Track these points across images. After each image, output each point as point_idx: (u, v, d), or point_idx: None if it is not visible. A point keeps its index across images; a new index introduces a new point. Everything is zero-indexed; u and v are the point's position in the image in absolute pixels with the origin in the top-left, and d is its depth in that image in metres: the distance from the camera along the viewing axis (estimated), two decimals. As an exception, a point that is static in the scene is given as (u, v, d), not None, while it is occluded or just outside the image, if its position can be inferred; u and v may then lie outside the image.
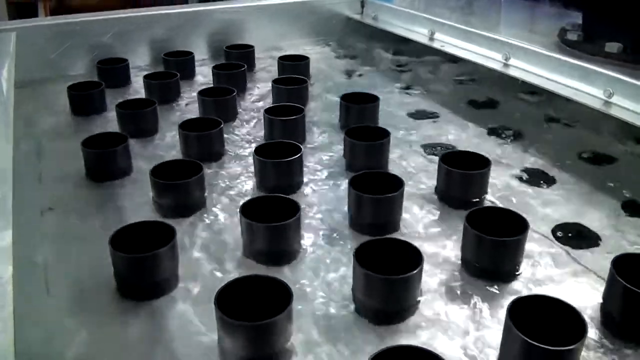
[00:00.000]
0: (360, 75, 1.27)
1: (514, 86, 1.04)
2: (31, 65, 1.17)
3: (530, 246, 0.66)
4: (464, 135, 0.97)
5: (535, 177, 0.83)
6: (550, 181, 0.83)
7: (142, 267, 0.60)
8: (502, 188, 0.80)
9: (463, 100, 1.11)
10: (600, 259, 0.65)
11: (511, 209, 0.68)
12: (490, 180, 0.78)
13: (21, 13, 3.30)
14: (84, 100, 1.05)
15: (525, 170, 0.85)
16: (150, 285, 0.60)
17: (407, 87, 1.19)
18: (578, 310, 0.51)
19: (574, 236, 0.70)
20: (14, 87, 0.91)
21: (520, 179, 0.83)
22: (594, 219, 0.73)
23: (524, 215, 0.65)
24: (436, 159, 0.84)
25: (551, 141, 0.94)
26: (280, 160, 0.79)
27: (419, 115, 1.06)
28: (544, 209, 0.75)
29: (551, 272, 0.63)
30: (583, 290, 0.60)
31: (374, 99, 1.01)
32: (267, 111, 0.95)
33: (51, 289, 0.61)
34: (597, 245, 0.69)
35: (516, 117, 1.02)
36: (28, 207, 0.73)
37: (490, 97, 1.11)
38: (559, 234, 0.70)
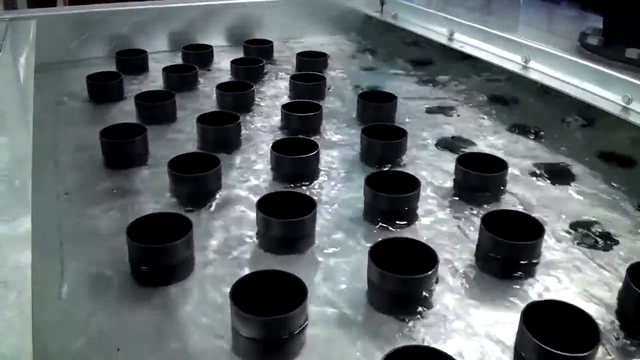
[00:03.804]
0: (378, 71, 1.26)
1: (533, 84, 1.04)
2: (50, 53, 1.18)
3: (546, 245, 0.66)
4: (482, 131, 0.96)
5: (553, 175, 0.83)
6: (568, 179, 0.82)
7: (158, 257, 0.61)
8: (520, 184, 0.80)
9: (482, 96, 1.11)
10: (617, 259, 0.65)
11: (528, 207, 0.68)
12: (508, 177, 0.79)
13: (40, 1, 3.31)
14: (103, 89, 1.06)
15: (543, 167, 0.85)
16: (165, 275, 0.61)
17: (426, 82, 1.19)
18: (592, 317, 0.51)
19: (590, 235, 0.70)
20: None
21: (538, 176, 0.83)
22: (610, 219, 0.73)
23: (540, 213, 0.64)
24: (454, 154, 0.84)
25: (570, 139, 0.93)
26: (296, 156, 0.79)
27: (436, 110, 1.05)
28: (560, 207, 0.75)
29: (566, 272, 0.63)
30: (598, 291, 0.60)
31: (392, 98, 1.01)
32: (285, 107, 0.95)
33: (66, 273, 0.61)
34: (613, 245, 0.68)
35: (535, 114, 1.02)
36: (44, 192, 0.74)
37: (509, 94, 1.10)
38: (575, 232, 0.70)
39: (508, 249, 0.63)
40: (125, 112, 1.00)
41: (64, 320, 0.55)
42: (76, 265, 0.63)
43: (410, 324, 0.55)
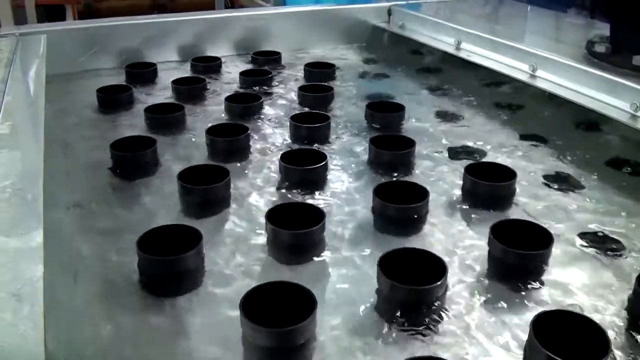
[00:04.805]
0: (386, 81, 1.27)
1: (541, 92, 1.04)
2: (60, 66, 1.19)
3: (556, 253, 0.66)
4: (490, 140, 0.96)
5: (562, 183, 0.83)
6: (577, 186, 0.82)
7: (169, 268, 0.61)
8: (529, 193, 0.80)
9: (490, 105, 1.11)
10: (626, 268, 0.65)
11: (537, 216, 0.68)
12: (516, 184, 0.79)
13: (50, 16, 3.35)
14: (113, 102, 1.07)
15: (552, 176, 0.85)
16: (175, 285, 0.61)
17: (434, 90, 1.19)
18: (602, 327, 0.51)
19: (600, 244, 0.69)
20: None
21: (547, 185, 0.83)
22: (619, 227, 0.73)
23: (549, 222, 0.64)
24: (462, 163, 0.84)
25: (579, 147, 0.93)
26: (305, 167, 0.80)
27: (445, 120, 1.05)
28: (569, 215, 0.75)
29: (575, 281, 0.63)
30: (608, 301, 0.60)
31: (400, 108, 1.02)
32: (293, 118, 0.96)
33: (78, 285, 0.62)
34: (623, 254, 0.68)
35: (543, 122, 1.02)
36: (56, 204, 0.75)
37: (518, 102, 1.10)
38: (584, 241, 0.70)
39: (517, 258, 0.63)
40: (136, 124, 1.01)
41: (75, 332, 0.56)
42: (88, 277, 0.63)
43: (420, 334, 0.55)
